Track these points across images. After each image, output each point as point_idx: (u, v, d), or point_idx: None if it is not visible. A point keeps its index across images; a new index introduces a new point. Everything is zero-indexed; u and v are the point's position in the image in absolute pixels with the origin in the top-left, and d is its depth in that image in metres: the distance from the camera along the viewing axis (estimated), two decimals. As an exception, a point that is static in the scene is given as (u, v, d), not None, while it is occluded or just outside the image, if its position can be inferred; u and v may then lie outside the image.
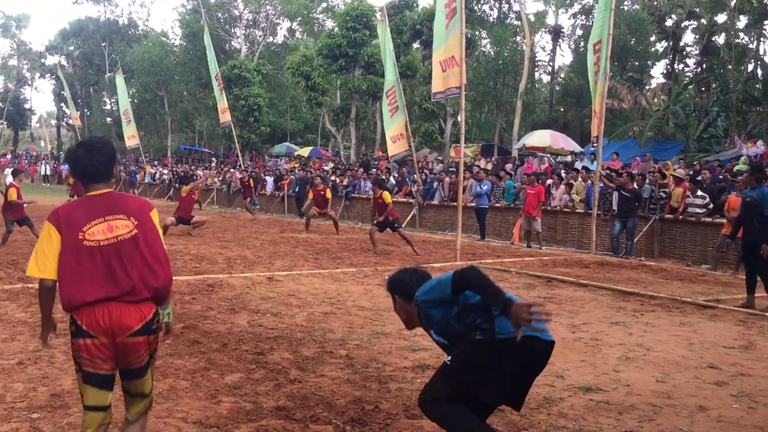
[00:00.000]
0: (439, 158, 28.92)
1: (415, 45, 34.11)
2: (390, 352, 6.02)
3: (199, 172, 32.73)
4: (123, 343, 3.14)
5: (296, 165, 32.14)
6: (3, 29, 67.18)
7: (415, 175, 21.43)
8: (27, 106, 71.71)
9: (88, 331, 3.12)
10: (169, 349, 5.86)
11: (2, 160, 51.74)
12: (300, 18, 48.83)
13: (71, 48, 61.89)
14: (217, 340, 6.22)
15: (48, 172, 47.78)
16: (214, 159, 43.42)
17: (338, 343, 6.27)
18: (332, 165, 30.71)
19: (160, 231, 3.43)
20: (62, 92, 48.12)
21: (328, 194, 18.04)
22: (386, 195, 13.99)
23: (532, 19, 41.24)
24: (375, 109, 33.37)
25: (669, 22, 36.93)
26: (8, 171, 34.16)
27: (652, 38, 38.95)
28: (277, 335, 6.51)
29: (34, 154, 60.43)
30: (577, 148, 24.93)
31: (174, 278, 8.81)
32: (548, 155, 26.06)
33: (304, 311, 7.71)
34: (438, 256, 13.47)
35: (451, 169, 22.85)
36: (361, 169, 25.81)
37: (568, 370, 5.58)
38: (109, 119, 58.13)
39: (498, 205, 18.27)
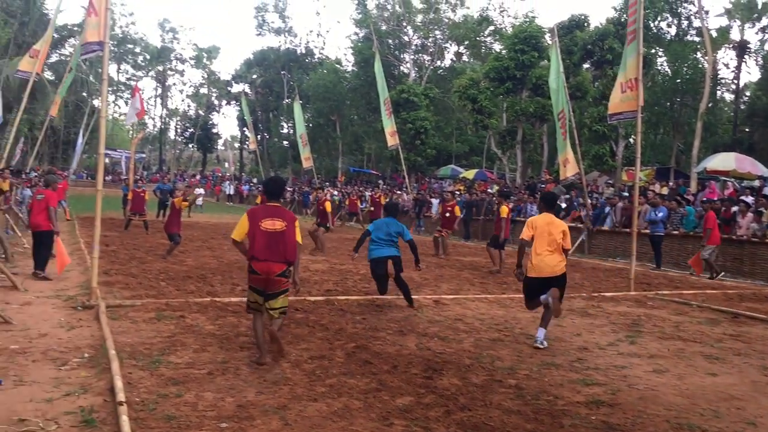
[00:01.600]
0: (610, 181, 27.84)
1: (585, 65, 33.19)
2: (562, 384, 5.85)
3: (368, 194, 33.78)
4: (272, 279, 6.23)
5: (462, 187, 32.24)
6: (196, 61, 73.57)
7: (585, 199, 20.76)
8: (214, 130, 77.89)
9: (257, 271, 6.24)
10: (343, 368, 6.08)
11: (192, 180, 56.44)
12: (467, 41, 49.23)
13: (254, 76, 66.50)
14: (388, 362, 6.37)
15: (231, 192, 51.39)
16: (381, 181, 44.64)
17: (507, 372, 6.19)
18: (497, 188, 30.50)
19: (298, 232, 6.49)
20: (245, 117, 51.75)
21: (457, 211, 17.95)
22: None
23: (715, 34, 38.72)
24: (542, 131, 32.81)
25: None
26: (200, 191, 37.28)
27: None
28: (446, 360, 6.55)
29: (219, 174, 65.33)
30: (766, 172, 22.95)
31: (345, 298, 9.21)
32: (732, 179, 24.23)
33: (471, 336, 7.70)
34: (609, 285, 12.93)
35: (623, 193, 21.91)
36: (528, 193, 25.44)
37: (761, 417, 5.13)
38: (285, 142, 61.59)
39: (675, 232, 17.23)
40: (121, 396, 4.83)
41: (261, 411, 4.87)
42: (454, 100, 38.57)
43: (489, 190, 29.19)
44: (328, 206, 17.49)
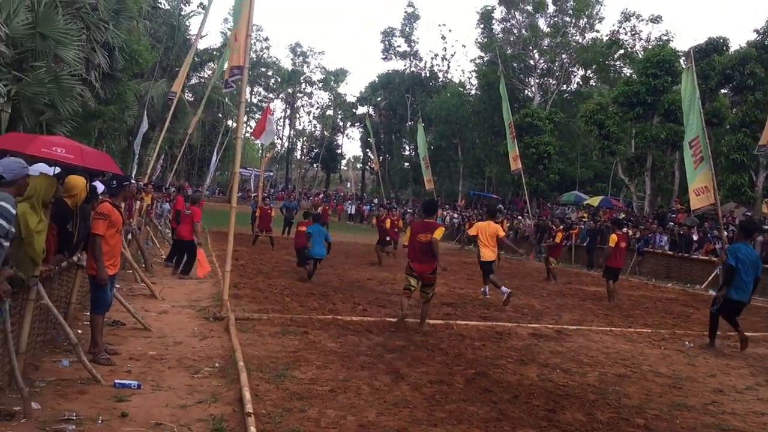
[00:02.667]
0: (748, 213, 26.16)
1: (723, 90, 31.52)
2: (695, 428, 5.52)
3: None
4: (425, 275, 8.89)
5: (585, 214, 31.34)
6: (323, 83, 76.03)
7: (720, 231, 19.59)
8: (338, 151, 79.98)
9: (413, 269, 8.90)
10: (462, 395, 6.03)
11: (315, 199, 58.12)
12: (595, 65, 47.99)
13: (379, 99, 67.85)
14: (508, 391, 6.26)
15: (352, 212, 52.41)
16: (501, 205, 44.14)
17: (635, 411, 5.92)
18: (623, 216, 29.37)
19: (438, 239, 8.91)
20: (368, 139, 52.79)
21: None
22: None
23: None
24: (674, 158, 31.37)
25: None
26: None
27: None
28: (569, 393, 6.36)
29: (342, 194, 66.90)
30: None
31: (464, 322, 9.14)
32: None
33: (595, 370, 7.44)
34: (746, 324, 12.07)
35: (764, 226, 20.51)
36: (656, 222, 24.38)
37: None
38: (406, 164, 62.25)
39: (823, 270, 15.91)
40: (249, 407, 5.02)
41: (382, 432, 4.92)
42: (580, 125, 37.68)
43: (616, 216, 28.18)
44: (387, 223, 19.14)
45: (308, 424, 4.98)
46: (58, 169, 6.03)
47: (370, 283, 13.94)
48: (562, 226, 20.24)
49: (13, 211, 4.60)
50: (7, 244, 4.63)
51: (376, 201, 56.60)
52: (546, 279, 17.61)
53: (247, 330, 8.19)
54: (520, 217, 32.55)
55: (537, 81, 49.13)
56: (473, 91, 54.92)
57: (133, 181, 11.89)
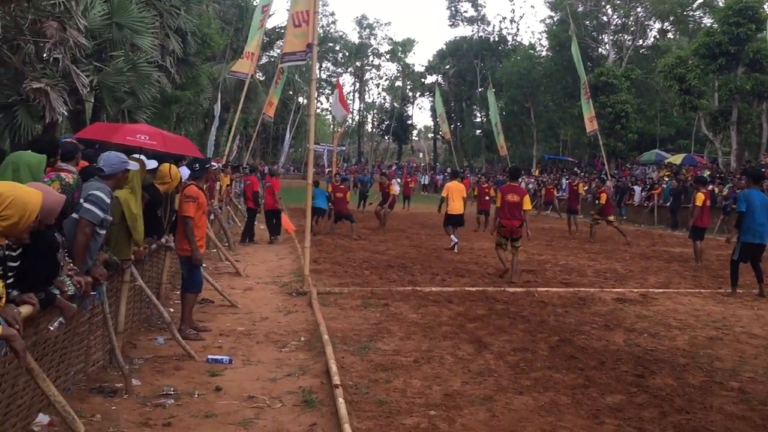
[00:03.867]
0: None
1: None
2: (793, 391, 5.33)
3: (564, 181, 32.84)
4: (513, 229, 10.54)
5: (668, 173, 30.29)
6: (391, 55, 75.63)
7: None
8: (409, 122, 79.66)
9: (504, 225, 10.56)
10: (547, 362, 6.00)
11: (389, 171, 58.24)
12: (673, 17, 45.95)
13: (447, 67, 67.03)
14: (594, 357, 6.17)
15: (426, 182, 52.28)
16: (576, 168, 43.13)
17: (728, 374, 5.75)
18: (708, 173, 28.23)
19: (527, 202, 10.78)
20: (437, 108, 52.34)
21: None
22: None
23: None
24: (761, 110, 29.86)
25: None
26: (396, 181, 38.41)
27: None
28: (657, 358, 6.22)
29: (414, 165, 66.80)
30: None
31: (546, 290, 9.08)
32: None
33: (685, 334, 7.25)
34: None
35: None
36: (745, 177, 23.33)
37: None
38: (478, 131, 61.51)
39: None
40: (336, 379, 5.13)
41: (467, 401, 4.95)
42: (659, 81, 36.27)
43: (700, 174, 27.12)
44: (392, 189, 20.67)
45: (395, 395, 5.06)
46: (155, 163, 6.27)
47: (448, 253, 13.93)
48: (603, 186, 19.91)
49: (108, 201, 4.83)
50: (102, 232, 4.86)
51: (449, 170, 56.20)
52: (626, 243, 17.07)
53: (329, 304, 8.35)
54: (598, 180, 31.73)
55: (611, 38, 47.49)
56: (544, 53, 53.59)
57: (214, 164, 12.21)
